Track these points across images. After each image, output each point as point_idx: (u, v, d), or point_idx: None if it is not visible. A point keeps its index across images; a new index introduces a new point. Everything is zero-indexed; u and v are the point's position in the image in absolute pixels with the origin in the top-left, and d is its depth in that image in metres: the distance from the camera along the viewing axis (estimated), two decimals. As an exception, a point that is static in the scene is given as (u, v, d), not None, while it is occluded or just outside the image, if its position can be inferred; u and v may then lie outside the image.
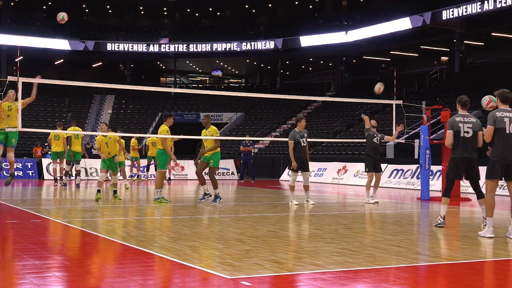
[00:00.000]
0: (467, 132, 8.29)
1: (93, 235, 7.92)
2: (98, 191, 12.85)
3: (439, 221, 8.71)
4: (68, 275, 5.56)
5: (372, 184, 13.32)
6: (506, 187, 8.25)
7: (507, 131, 7.77)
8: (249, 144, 22.80)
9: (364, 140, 13.72)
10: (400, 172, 19.94)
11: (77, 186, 17.28)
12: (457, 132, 8.31)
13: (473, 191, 8.69)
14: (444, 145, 14.56)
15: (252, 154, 23.55)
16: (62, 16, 12.61)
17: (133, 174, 21.74)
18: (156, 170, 13.17)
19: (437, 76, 36.97)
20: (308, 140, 12.86)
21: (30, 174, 22.28)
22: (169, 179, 22.12)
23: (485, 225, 8.02)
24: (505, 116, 7.80)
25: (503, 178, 7.97)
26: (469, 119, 8.38)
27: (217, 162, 12.60)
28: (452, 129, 8.37)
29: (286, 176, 24.88)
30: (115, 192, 13.30)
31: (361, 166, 19.91)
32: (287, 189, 19.64)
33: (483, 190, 8.17)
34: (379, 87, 14.00)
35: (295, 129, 12.63)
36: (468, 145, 8.30)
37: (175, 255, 6.38)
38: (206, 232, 8.09)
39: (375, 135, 13.40)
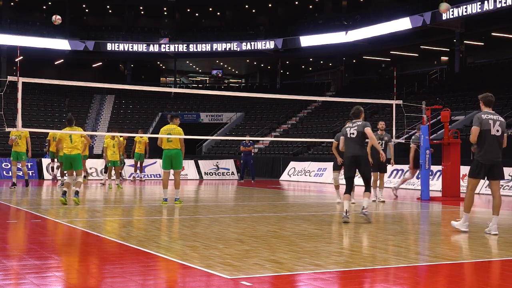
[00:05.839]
0: (353, 134, 9.48)
1: (93, 235, 7.92)
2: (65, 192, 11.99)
3: (343, 215, 9.28)
4: (68, 275, 5.57)
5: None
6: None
7: (492, 133, 8.14)
8: (249, 144, 22.78)
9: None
10: (400, 172, 19.92)
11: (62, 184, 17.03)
12: (345, 134, 9.60)
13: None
14: (444, 145, 14.66)
15: (252, 154, 23.54)
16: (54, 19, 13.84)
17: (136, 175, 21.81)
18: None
19: (437, 76, 36.96)
20: (308, 140, 12.89)
21: (30, 174, 22.25)
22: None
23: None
24: (490, 118, 8.19)
25: (485, 178, 8.34)
26: (356, 123, 9.53)
27: None
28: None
29: (286, 176, 24.88)
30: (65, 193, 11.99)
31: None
32: (287, 189, 19.67)
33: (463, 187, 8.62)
34: (445, 8, 14.95)
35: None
36: (352, 144, 9.48)
37: (175, 255, 6.39)
38: (206, 232, 8.09)
39: None
